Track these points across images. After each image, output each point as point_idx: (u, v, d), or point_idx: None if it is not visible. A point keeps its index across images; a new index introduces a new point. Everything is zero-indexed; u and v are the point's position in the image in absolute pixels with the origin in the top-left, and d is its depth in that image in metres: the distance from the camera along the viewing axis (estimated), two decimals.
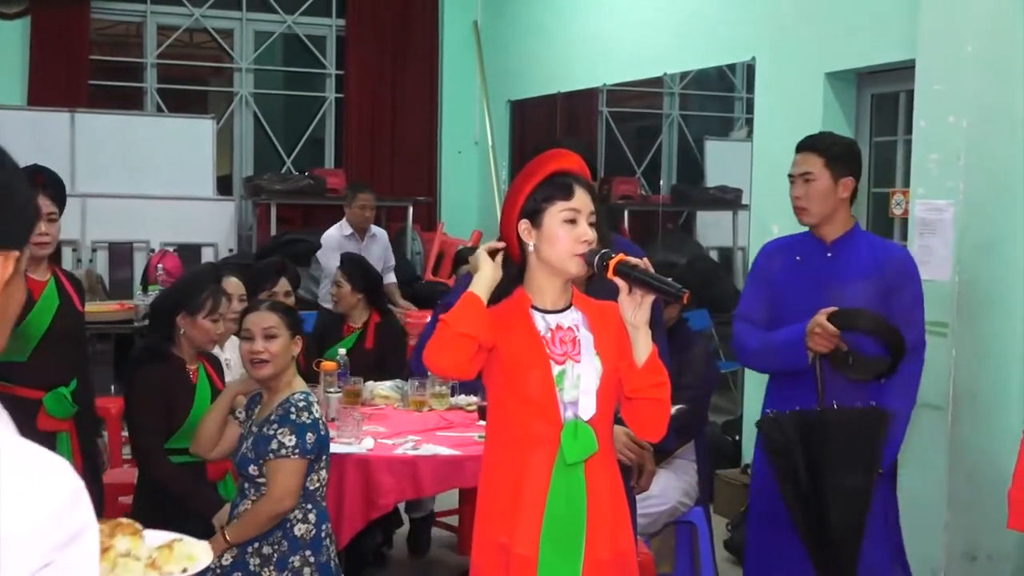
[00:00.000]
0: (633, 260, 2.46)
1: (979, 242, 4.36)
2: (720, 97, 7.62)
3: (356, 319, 5.42)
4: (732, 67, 6.88)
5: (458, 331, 2.43)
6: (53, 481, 1.26)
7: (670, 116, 7.93)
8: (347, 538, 4.04)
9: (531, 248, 2.53)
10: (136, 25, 9.27)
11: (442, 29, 9.65)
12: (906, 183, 5.05)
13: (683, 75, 7.45)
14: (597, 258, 2.47)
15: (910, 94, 4.89)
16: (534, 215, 2.52)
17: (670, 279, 2.44)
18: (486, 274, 2.52)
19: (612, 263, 2.44)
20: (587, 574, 2.50)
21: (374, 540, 5.28)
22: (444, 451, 4.11)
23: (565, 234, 2.49)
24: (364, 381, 4.89)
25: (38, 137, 7.86)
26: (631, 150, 8.40)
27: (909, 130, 4.96)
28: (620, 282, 2.46)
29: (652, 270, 2.46)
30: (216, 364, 4.11)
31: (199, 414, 3.76)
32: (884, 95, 5.72)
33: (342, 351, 5.01)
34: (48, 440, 3.91)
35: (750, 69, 6.39)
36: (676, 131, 7.96)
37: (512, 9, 9.10)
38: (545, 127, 8.70)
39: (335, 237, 7.21)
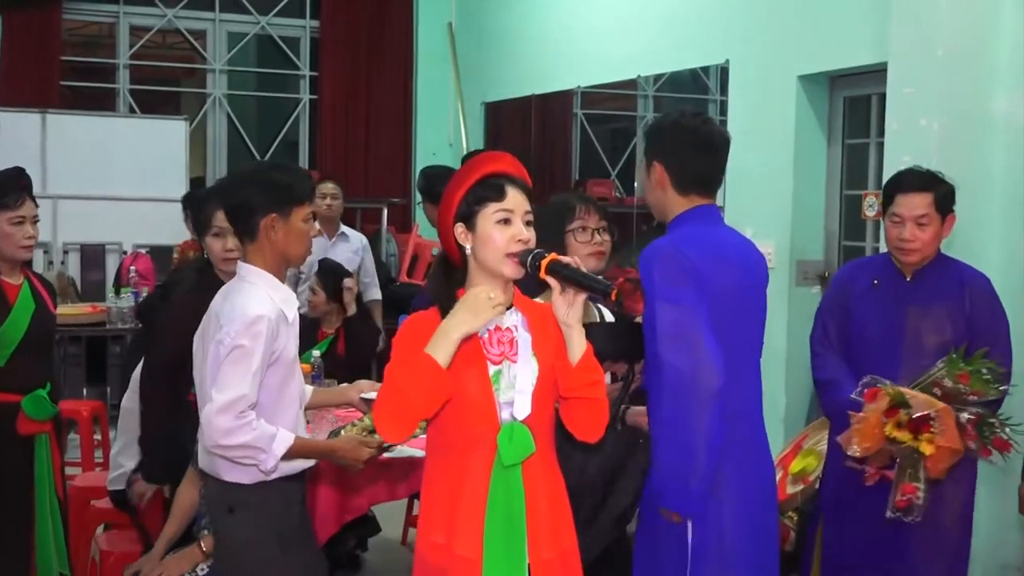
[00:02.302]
0: (564, 259, 2.46)
1: (951, 244, 4.38)
2: (694, 99, 7.63)
3: (330, 324, 5.41)
4: (705, 69, 6.90)
5: (415, 415, 2.44)
6: (253, 309, 2.86)
7: (644, 118, 7.95)
8: (321, 541, 4.02)
9: (468, 251, 2.54)
10: (108, 25, 9.22)
11: (417, 31, 9.63)
12: (879, 185, 5.08)
13: (657, 77, 7.47)
14: (530, 258, 2.48)
15: (882, 97, 4.92)
16: (468, 218, 2.53)
17: (600, 276, 2.43)
18: (460, 327, 2.44)
19: (544, 262, 2.45)
20: (534, 574, 2.51)
21: (348, 543, 5.27)
22: (418, 453, 4.10)
23: (499, 234, 2.50)
24: (338, 383, 4.87)
25: (9, 138, 7.78)
26: (605, 152, 8.41)
27: (881, 132, 4.99)
28: (553, 281, 2.47)
29: (583, 268, 2.46)
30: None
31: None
32: (856, 98, 5.76)
33: (316, 353, 5.00)
34: (27, 444, 3.88)
35: (723, 72, 6.41)
36: None
37: (487, 11, 9.10)
38: (520, 129, 8.70)
39: None
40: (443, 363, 2.42)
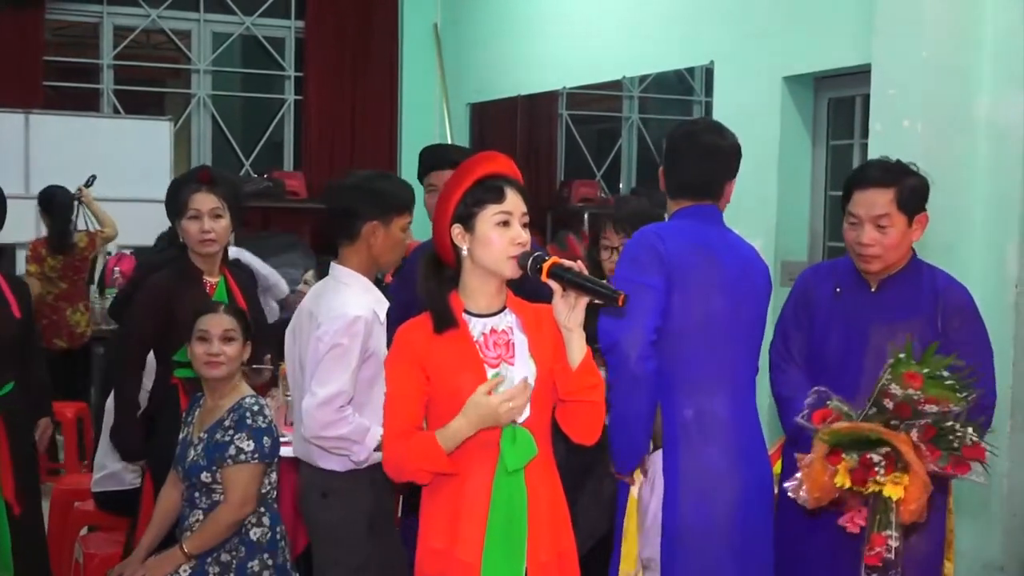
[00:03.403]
0: (567, 263, 2.45)
1: (935, 246, 4.40)
2: (679, 100, 7.64)
3: None
4: (691, 71, 6.91)
5: (416, 481, 2.54)
6: (352, 310, 3.09)
7: (629, 119, 7.96)
8: (306, 541, 4.02)
9: (465, 252, 2.53)
10: (92, 25, 9.17)
11: (402, 31, 9.62)
12: None
13: (642, 78, 7.48)
14: (531, 261, 2.46)
15: (866, 98, 4.94)
16: (467, 219, 2.52)
17: (604, 281, 2.43)
18: (464, 430, 2.46)
19: (546, 266, 2.44)
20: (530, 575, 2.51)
21: None
22: None
23: (498, 237, 2.50)
24: None
25: None
26: (591, 153, 8.41)
27: (866, 133, 5.00)
28: (554, 284, 2.45)
29: (586, 272, 2.45)
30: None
31: None
32: (841, 99, 5.77)
33: None
34: None
35: (708, 73, 6.42)
36: (636, 134, 7.98)
37: (472, 12, 9.09)
38: (505, 130, 8.70)
39: None
40: (449, 451, 2.47)
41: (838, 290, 3.23)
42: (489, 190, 2.52)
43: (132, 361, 3.90)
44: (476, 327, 2.55)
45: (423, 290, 2.58)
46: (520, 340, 2.56)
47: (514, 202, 2.52)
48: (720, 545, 3.00)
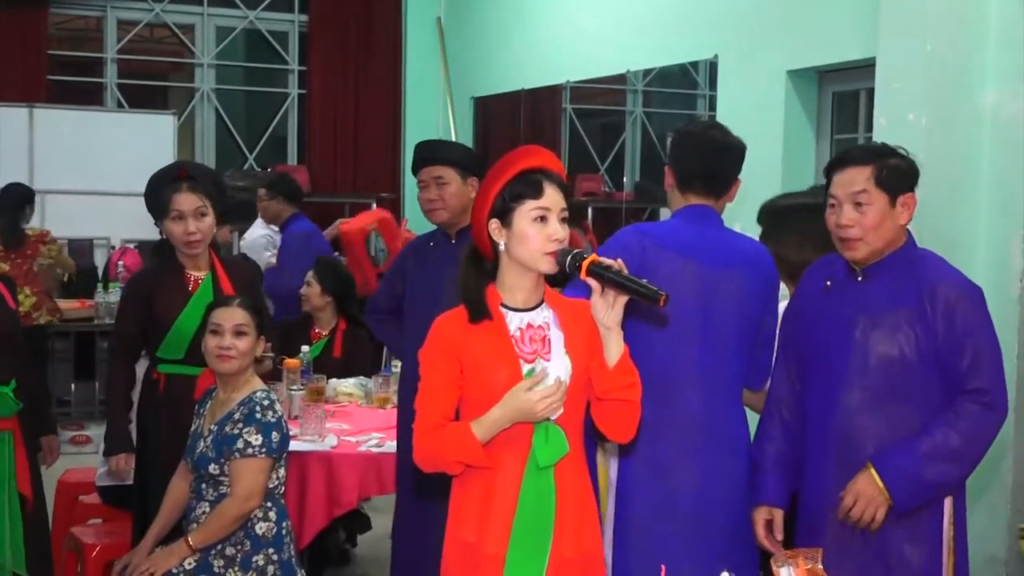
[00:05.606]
0: (607, 260, 2.41)
1: (939, 239, 4.39)
2: (683, 94, 7.65)
3: (323, 325, 5.35)
4: (695, 64, 6.91)
5: (448, 471, 2.49)
6: None
7: (633, 113, 7.96)
8: (310, 536, 4.03)
9: (502, 247, 2.51)
10: (96, 20, 9.19)
11: (405, 25, 9.62)
12: None
13: (646, 72, 7.48)
14: (569, 258, 2.43)
15: (870, 92, 4.94)
16: (504, 214, 2.49)
17: (645, 280, 2.38)
18: (501, 421, 2.45)
19: (585, 264, 2.40)
20: (551, 572, 2.50)
21: (337, 538, 5.27)
22: None
23: (535, 233, 2.46)
24: (327, 379, 4.87)
25: None
26: (595, 147, 8.42)
27: (870, 128, 4.99)
28: (593, 283, 2.42)
29: (626, 271, 2.41)
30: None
31: None
32: (845, 93, 5.77)
33: (305, 348, 4.99)
34: None
35: (712, 67, 6.42)
36: (639, 128, 7.98)
37: (476, 5, 9.09)
38: (509, 124, 8.70)
39: (256, 237, 6.99)
40: (484, 441, 2.45)
41: (828, 283, 3.00)
42: (528, 185, 2.49)
43: (114, 352, 3.91)
44: (513, 321, 2.53)
45: (460, 280, 2.56)
46: (556, 336, 2.54)
47: (553, 198, 2.49)
48: (663, 530, 3.05)
